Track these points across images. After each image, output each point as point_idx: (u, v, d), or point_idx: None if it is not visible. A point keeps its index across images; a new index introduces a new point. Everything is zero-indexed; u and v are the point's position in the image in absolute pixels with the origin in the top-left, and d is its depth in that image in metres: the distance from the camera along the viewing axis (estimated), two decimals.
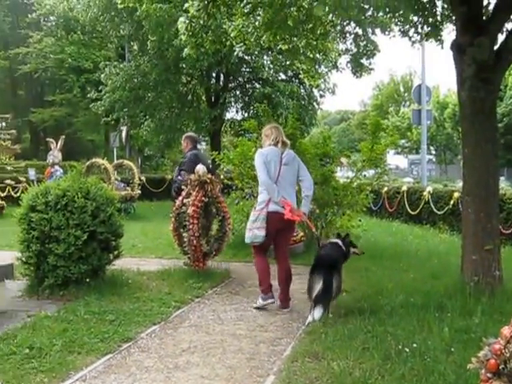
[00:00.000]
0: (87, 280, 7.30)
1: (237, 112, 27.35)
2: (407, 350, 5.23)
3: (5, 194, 18.31)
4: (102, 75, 23.67)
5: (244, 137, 12.14)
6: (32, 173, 19.83)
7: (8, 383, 4.52)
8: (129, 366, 5.08)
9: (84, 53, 32.98)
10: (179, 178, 9.68)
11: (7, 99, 43.32)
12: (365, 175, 11.84)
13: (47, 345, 5.33)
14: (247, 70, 25.47)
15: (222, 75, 25.66)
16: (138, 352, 5.44)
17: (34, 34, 33.28)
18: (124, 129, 25.31)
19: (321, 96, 27.16)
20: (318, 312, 6.37)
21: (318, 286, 6.45)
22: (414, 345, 5.34)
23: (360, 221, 11.68)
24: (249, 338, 5.90)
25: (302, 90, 26.21)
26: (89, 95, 26.31)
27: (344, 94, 69.76)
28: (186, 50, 9.97)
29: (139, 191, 18.73)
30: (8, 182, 18.89)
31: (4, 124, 16.55)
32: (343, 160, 13.14)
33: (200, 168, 8.61)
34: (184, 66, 22.02)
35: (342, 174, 12.61)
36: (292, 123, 10.90)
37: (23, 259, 7.40)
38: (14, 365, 4.90)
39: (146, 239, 12.52)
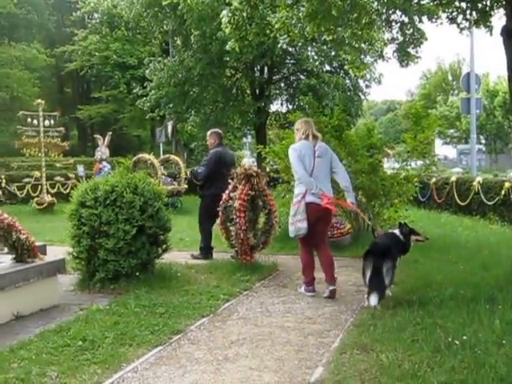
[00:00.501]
0: (137, 274, 7.41)
1: (282, 104, 27.33)
2: (457, 342, 5.18)
3: (55, 190, 18.69)
4: (147, 71, 23.87)
5: (289, 129, 12.06)
6: (81, 169, 20.22)
7: (63, 374, 4.63)
8: (179, 357, 5.15)
9: (128, 49, 33.33)
10: (199, 170, 10.08)
11: (55, 97, 44.03)
12: (412, 166, 11.67)
13: (99, 337, 5.44)
14: (291, 61, 25.34)
15: (266, 68, 25.58)
16: (188, 344, 5.51)
17: (78, 32, 33.80)
18: (170, 124, 25.54)
19: (367, 86, 26.91)
20: (373, 298, 6.48)
21: (369, 273, 6.61)
22: (464, 337, 5.28)
23: (406, 210, 11.54)
24: (297, 330, 5.91)
25: (348, 81, 25.97)
26: (134, 91, 26.57)
27: (390, 83, 68.69)
28: (229, 43, 9.97)
29: (186, 185, 18.84)
30: (58, 178, 19.28)
31: (52, 121, 16.80)
32: (389, 151, 13.01)
33: (246, 161, 8.64)
34: (228, 59, 22.00)
35: (389, 166, 12.44)
36: (338, 114, 10.83)
37: (74, 254, 7.55)
38: (68, 356, 5.02)
39: (193, 233, 12.55)
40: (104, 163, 18.08)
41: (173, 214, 17.03)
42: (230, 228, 8.56)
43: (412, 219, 11.97)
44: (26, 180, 17.34)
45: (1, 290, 5.95)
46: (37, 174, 17.15)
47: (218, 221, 8.80)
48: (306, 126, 7.44)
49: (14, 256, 6.44)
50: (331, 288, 7.24)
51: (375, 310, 6.40)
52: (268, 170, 19.72)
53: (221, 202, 8.74)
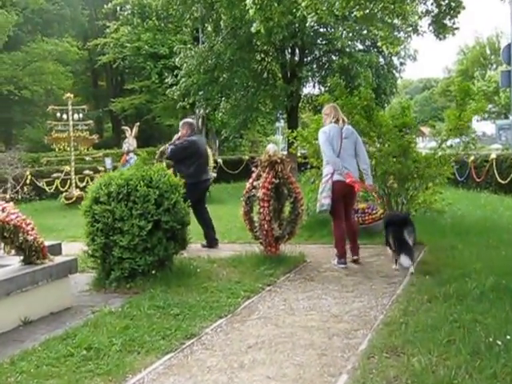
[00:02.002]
0: (154, 272, 7.03)
1: (314, 87, 26.68)
2: (499, 342, 4.64)
3: (83, 184, 18.51)
4: (177, 59, 23.48)
5: (320, 113, 11.54)
6: (108, 162, 19.92)
7: None
8: (190, 365, 4.74)
9: (160, 39, 32.95)
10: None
11: (89, 90, 44.15)
12: (451, 145, 11.01)
13: (106, 345, 5.07)
14: (323, 42, 24.62)
15: (297, 49, 24.95)
16: (202, 350, 5.09)
17: (110, 24, 33.63)
18: (200, 112, 25.11)
19: (401, 64, 26.12)
20: (404, 259, 7.27)
21: (392, 239, 7.57)
22: (508, 336, 4.75)
23: (441, 193, 10.94)
24: (321, 331, 5.44)
25: (381, 59, 25.20)
26: (166, 81, 26.20)
27: (426, 61, 67.18)
28: (254, 24, 9.50)
29: (214, 174, 18.48)
30: (86, 172, 19.06)
31: (81, 115, 16.58)
32: (425, 130, 12.37)
33: (270, 147, 8.20)
34: (257, 42, 21.46)
35: (425, 145, 11.78)
36: (366, 94, 10.24)
37: (89, 252, 7.22)
38: (70, 367, 4.65)
39: (219, 223, 12.12)
40: (131, 155, 17.80)
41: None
42: (254, 219, 8.12)
43: (449, 201, 11.44)
44: (55, 175, 17.18)
45: (6, 295, 5.62)
46: (67, 168, 16.98)
47: (241, 211, 8.35)
48: (335, 112, 8.13)
49: (22, 258, 6.11)
50: (354, 258, 8.25)
51: (412, 274, 7.20)
52: (299, 154, 19.26)
53: (244, 192, 8.30)
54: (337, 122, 8.03)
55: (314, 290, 6.88)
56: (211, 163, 18.54)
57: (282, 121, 34.94)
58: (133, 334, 5.34)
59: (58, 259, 6.39)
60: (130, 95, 37.46)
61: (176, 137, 10.03)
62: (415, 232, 7.71)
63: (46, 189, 16.40)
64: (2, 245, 6.12)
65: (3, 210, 6.64)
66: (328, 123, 8.07)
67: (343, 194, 7.98)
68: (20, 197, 14.39)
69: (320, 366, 4.59)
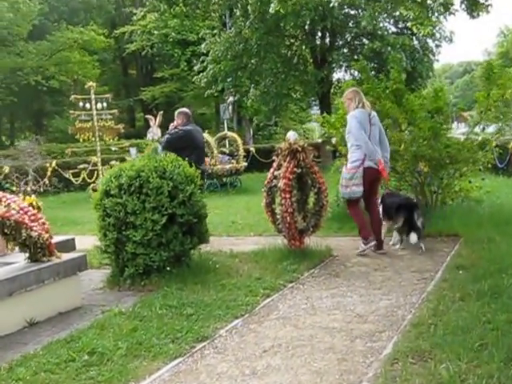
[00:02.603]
0: (169, 268, 6.68)
1: (345, 71, 25.99)
2: None
3: None
4: (203, 45, 23.08)
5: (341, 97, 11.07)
6: (133, 152, 19.64)
7: None
8: (199, 372, 4.37)
9: (187, 25, 32.39)
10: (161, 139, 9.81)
11: (119, 79, 44.02)
12: (488, 130, 10.41)
13: (111, 349, 4.73)
14: (354, 25, 23.91)
15: (327, 33, 24.32)
16: (213, 354, 4.72)
17: (137, 11, 33.32)
18: (230, 99, 24.68)
19: (437, 46, 25.27)
20: (413, 236, 7.76)
21: (402, 222, 7.96)
22: None
23: (483, 179, 10.37)
24: (343, 333, 5.01)
25: (416, 42, 24.40)
26: (194, 68, 25.81)
27: (466, 43, 65.61)
28: (272, 5, 9.05)
29: (245, 163, 18.10)
30: (113, 163, 18.76)
31: (105, 104, 16.29)
32: (466, 115, 11.77)
33: (290, 135, 7.77)
34: (285, 26, 20.88)
35: (466, 131, 11.10)
36: (395, 77, 9.70)
37: (102, 248, 6.89)
38: (70, 374, 4.34)
39: (248, 214, 11.82)
40: (156, 144, 17.49)
41: (231, 194, 16.64)
42: (276, 210, 7.70)
43: (488, 189, 10.85)
44: (81, 166, 17.00)
45: (9, 295, 5.32)
46: (93, 159, 16.75)
47: (263, 203, 7.93)
48: (359, 96, 7.94)
49: (27, 255, 5.81)
50: (381, 252, 8.01)
51: (421, 251, 7.78)
52: (334, 141, 18.73)
53: (265, 182, 7.88)
54: (363, 106, 7.86)
55: (339, 287, 6.45)
56: (241, 152, 18.24)
57: (315, 108, 34.34)
58: (141, 336, 4.99)
59: (66, 256, 6.07)
60: (160, 84, 37.15)
61: (171, 126, 9.74)
62: (423, 215, 8.23)
63: (73, 180, 16.18)
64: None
65: (9, 205, 6.39)
66: (353, 108, 7.87)
67: (372, 180, 7.91)
68: (42, 189, 14.17)
69: (339, 374, 4.18)
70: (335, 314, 5.55)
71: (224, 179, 18.04)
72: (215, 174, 17.44)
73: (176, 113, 9.92)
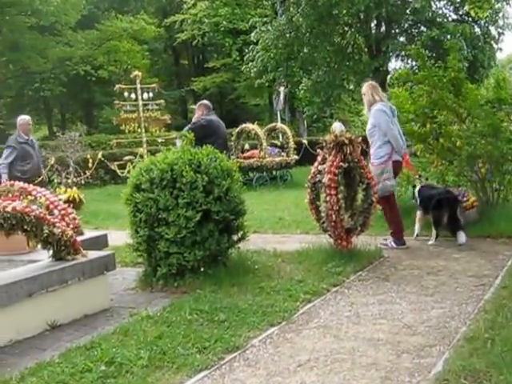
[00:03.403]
0: (203, 269, 6.24)
1: (402, 61, 25.04)
2: None
3: None
4: (253, 34, 22.56)
5: (399, 87, 10.38)
6: (179, 143, 19.22)
7: None
8: None
9: (239, 13, 32.04)
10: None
11: (171, 69, 43.85)
12: None
13: (131, 359, 4.31)
14: (411, 12, 22.93)
15: (382, 21, 23.45)
16: (243, 367, 4.25)
17: (188, 0, 33.08)
18: (282, 90, 24.08)
19: (499, 34, 24.08)
20: (461, 236, 7.73)
21: (446, 219, 7.76)
22: None
23: None
24: (389, 345, 4.47)
25: (477, 29, 23.29)
26: (245, 57, 25.31)
27: None
28: None
29: (296, 156, 17.53)
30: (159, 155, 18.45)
31: (151, 94, 15.96)
32: None
33: (336, 126, 7.23)
34: (338, 13, 20.18)
35: None
36: (454, 65, 9.00)
37: (134, 246, 6.51)
38: None
39: (296, 210, 11.27)
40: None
41: (281, 189, 16.12)
42: (321, 208, 7.16)
43: None
44: (127, 158, 16.74)
45: (28, 296, 4.97)
46: (140, 150, 16.47)
47: (307, 199, 7.41)
48: (377, 89, 7.97)
49: (50, 253, 5.46)
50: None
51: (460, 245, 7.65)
52: None
53: (309, 177, 7.36)
54: (382, 100, 7.89)
55: (388, 293, 5.88)
56: (291, 144, 17.67)
57: None
58: (165, 344, 4.56)
59: (92, 254, 5.68)
60: (211, 74, 36.82)
61: (194, 118, 9.67)
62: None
63: (118, 172, 15.92)
64: None
65: (35, 198, 6.09)
66: (375, 101, 7.85)
67: (397, 174, 8.11)
68: (83, 181, 13.97)
69: None
70: (381, 323, 5.01)
71: (274, 172, 17.53)
72: (264, 167, 16.95)
73: (197, 105, 9.95)
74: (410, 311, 5.27)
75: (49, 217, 5.31)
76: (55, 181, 13.78)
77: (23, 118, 11.53)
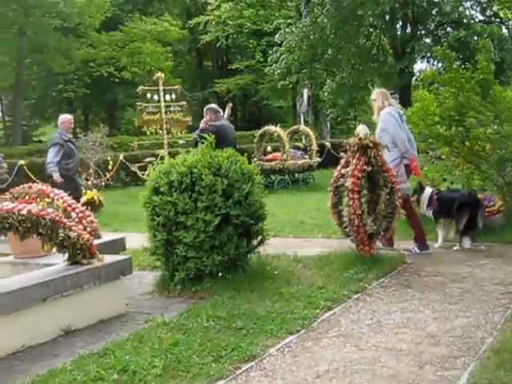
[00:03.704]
0: (221, 274, 6.11)
1: (427, 62, 24.70)
2: None
3: None
4: (277, 35, 22.40)
5: (424, 88, 10.15)
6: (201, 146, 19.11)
7: None
8: None
9: (263, 15, 31.94)
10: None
11: (194, 71, 43.83)
12: None
13: (145, 366, 4.20)
14: (437, 13, 22.54)
15: (408, 22, 23.13)
16: (259, 377, 4.12)
17: (212, 1, 33.04)
18: (305, 92, 23.88)
19: None
20: (467, 241, 7.69)
21: (465, 220, 7.64)
22: None
23: None
24: (411, 356, 4.30)
25: (505, 30, 22.86)
26: (269, 59, 25.16)
27: None
28: None
29: (318, 159, 17.32)
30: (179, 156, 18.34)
31: (174, 96, 15.86)
32: None
33: (360, 129, 7.07)
34: (363, 15, 19.92)
35: None
36: (484, 66, 8.77)
37: (151, 249, 6.40)
38: None
39: (317, 214, 11.08)
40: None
41: (303, 191, 15.93)
42: (343, 212, 6.99)
43: None
44: (148, 159, 16.70)
45: (42, 300, 4.88)
46: (161, 152, 16.40)
47: (329, 203, 7.25)
48: (386, 95, 8.06)
49: (66, 257, 5.37)
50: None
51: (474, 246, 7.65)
52: None
53: (331, 181, 7.20)
54: (390, 105, 7.95)
55: (411, 301, 5.70)
56: (314, 147, 17.47)
57: (393, 101, 33.03)
58: (181, 352, 4.44)
59: (108, 259, 5.58)
60: (235, 75, 36.75)
61: (202, 123, 9.68)
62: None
63: (139, 174, 15.84)
64: None
65: (52, 201, 6.02)
66: (384, 106, 7.89)
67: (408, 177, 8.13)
68: (103, 183, 13.90)
69: None
70: (404, 332, 4.84)
71: (296, 175, 17.33)
72: (286, 170, 16.77)
73: (204, 109, 9.88)
74: (433, 320, 5.09)
75: (65, 220, 5.21)
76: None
77: (65, 117, 11.58)
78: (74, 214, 6.74)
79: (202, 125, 9.60)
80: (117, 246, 6.81)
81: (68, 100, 38.68)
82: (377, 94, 8.06)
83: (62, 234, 5.11)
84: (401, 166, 7.68)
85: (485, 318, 5.07)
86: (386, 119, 7.72)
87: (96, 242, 6.54)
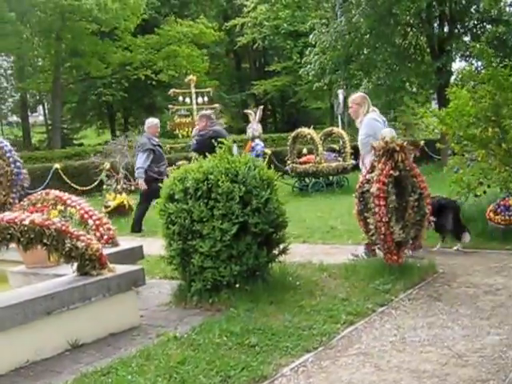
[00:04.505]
0: (238, 285, 5.84)
1: (466, 61, 24.00)
2: None
3: None
4: (311, 36, 22.05)
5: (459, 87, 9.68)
6: (235, 149, 18.88)
7: None
8: None
9: (299, 16, 31.72)
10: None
11: (232, 73, 43.84)
12: None
13: None
14: (476, 10, 21.91)
15: (445, 20, 22.51)
16: None
17: (247, 3, 32.87)
18: (341, 93, 23.44)
19: None
20: (467, 236, 7.82)
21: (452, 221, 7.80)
22: None
23: None
24: (436, 379, 3.96)
25: None
26: (303, 60, 24.82)
27: None
28: None
29: (353, 161, 16.91)
30: None
31: (206, 98, 15.66)
32: None
33: (387, 132, 6.73)
34: (399, 13, 19.45)
35: None
36: None
37: (167, 259, 6.17)
38: None
39: (349, 219, 10.62)
40: (257, 141, 16.69)
41: (337, 194, 15.59)
42: (369, 220, 6.65)
43: None
44: (180, 163, 16.48)
45: (47, 313, 4.69)
46: (193, 155, 16.17)
47: (354, 210, 6.92)
48: (368, 101, 7.87)
49: (75, 268, 5.17)
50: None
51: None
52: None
53: (356, 187, 6.87)
54: (373, 111, 7.83)
55: (439, 315, 5.33)
56: (348, 149, 17.08)
57: (433, 102, 32.35)
58: (187, 372, 4.19)
59: (120, 269, 5.37)
60: (272, 77, 36.57)
61: (195, 130, 9.79)
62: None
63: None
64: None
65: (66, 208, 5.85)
66: (367, 111, 7.75)
67: None
68: (132, 187, 13.76)
69: None
70: (429, 351, 4.49)
71: (330, 178, 16.99)
72: (320, 173, 16.43)
73: (198, 117, 9.94)
74: (462, 337, 4.72)
75: (72, 229, 5.00)
76: (104, 187, 13.67)
77: (152, 121, 11.62)
78: (90, 222, 6.61)
79: (194, 132, 9.67)
80: (135, 254, 6.64)
81: (107, 103, 39.00)
82: (359, 99, 7.90)
83: (68, 245, 4.91)
84: None
85: None
86: (373, 124, 7.58)
87: (113, 250, 6.40)
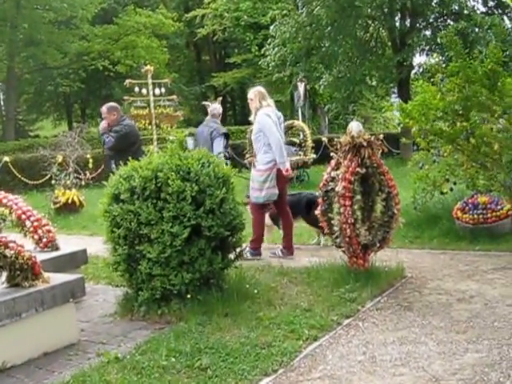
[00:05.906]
0: (190, 295, 5.28)
1: (427, 55, 23.82)
2: None
3: None
4: (271, 27, 21.57)
5: (425, 80, 9.26)
6: (190, 142, 18.23)
7: None
8: None
9: (260, 8, 31.22)
10: (106, 138, 8.82)
11: (192, 65, 43.15)
12: None
13: None
14: (437, 4, 21.68)
15: (407, 13, 22.27)
16: None
17: None
18: (301, 85, 22.97)
19: None
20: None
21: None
22: None
23: None
24: None
25: (507, 22, 22.03)
26: (263, 51, 24.33)
27: None
28: None
29: (314, 155, 16.44)
30: None
31: (163, 90, 14.98)
32: None
33: (353, 126, 6.25)
34: (361, 6, 19.06)
35: None
36: (492, 54, 7.91)
37: (113, 264, 5.57)
38: None
39: None
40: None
41: (297, 189, 15.08)
42: (333, 221, 6.15)
43: None
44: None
45: None
46: (150, 148, 15.53)
47: (318, 210, 6.41)
48: (265, 96, 7.62)
49: (4, 279, 4.55)
50: (290, 256, 7.69)
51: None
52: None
53: (320, 185, 6.37)
54: (268, 105, 7.57)
55: (411, 328, 4.85)
56: (309, 143, 16.61)
57: (393, 95, 32.27)
58: None
59: (56, 279, 4.75)
60: (233, 69, 36.02)
61: (104, 124, 8.90)
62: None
63: None
64: None
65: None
66: (261, 106, 7.50)
67: (285, 182, 7.85)
68: (83, 182, 13.05)
69: None
70: (402, 373, 4.01)
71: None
72: None
73: (105, 109, 8.95)
74: (437, 355, 4.25)
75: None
76: (53, 182, 12.94)
77: (216, 106, 10.70)
78: (28, 223, 6.01)
79: (103, 124, 8.89)
80: (77, 259, 6.06)
81: (64, 94, 37.99)
82: (254, 94, 7.62)
83: None
84: (274, 170, 7.40)
85: (499, 352, 4.21)
86: (263, 120, 7.40)
87: (52, 255, 5.83)
